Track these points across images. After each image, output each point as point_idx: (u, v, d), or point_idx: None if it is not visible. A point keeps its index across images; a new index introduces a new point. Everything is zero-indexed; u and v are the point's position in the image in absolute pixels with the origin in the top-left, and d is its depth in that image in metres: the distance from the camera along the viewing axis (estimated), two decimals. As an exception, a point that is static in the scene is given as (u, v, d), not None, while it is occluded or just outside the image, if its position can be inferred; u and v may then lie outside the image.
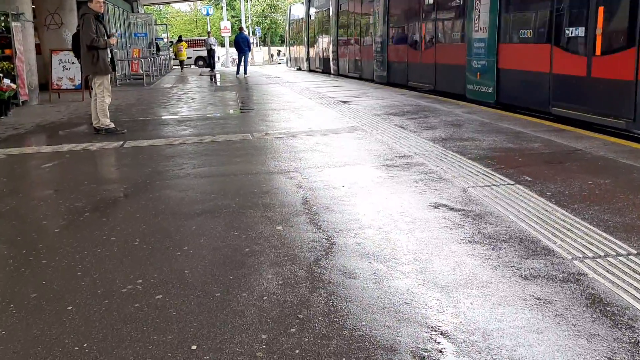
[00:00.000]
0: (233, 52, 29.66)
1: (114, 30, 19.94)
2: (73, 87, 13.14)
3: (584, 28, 6.98)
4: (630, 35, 6.28)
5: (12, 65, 11.30)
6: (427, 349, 2.19)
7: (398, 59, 14.29)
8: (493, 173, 4.80)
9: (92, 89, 8.17)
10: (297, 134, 7.34)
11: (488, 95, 9.41)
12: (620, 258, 2.96)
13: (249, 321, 2.44)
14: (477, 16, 9.61)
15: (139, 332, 2.39)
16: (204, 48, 32.43)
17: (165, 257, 3.22)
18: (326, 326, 2.38)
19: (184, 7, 59.75)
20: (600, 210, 3.72)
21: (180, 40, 32.06)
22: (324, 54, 23.19)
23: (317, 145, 6.43)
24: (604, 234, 3.30)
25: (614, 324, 2.32)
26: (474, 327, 2.32)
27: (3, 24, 11.48)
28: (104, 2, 8.18)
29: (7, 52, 11.40)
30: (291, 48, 32.14)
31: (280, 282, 2.81)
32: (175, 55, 31.10)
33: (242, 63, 22.60)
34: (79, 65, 9.07)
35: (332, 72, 21.48)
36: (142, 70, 18.87)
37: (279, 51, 51.24)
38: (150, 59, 21.56)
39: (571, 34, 7.26)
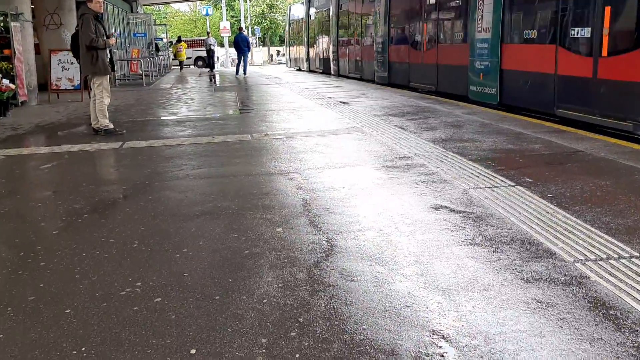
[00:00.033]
0: (232, 52, 29.66)
1: (113, 31, 19.93)
2: (72, 88, 13.11)
3: (590, 28, 6.89)
4: (638, 35, 6.21)
5: (11, 66, 11.28)
6: (428, 354, 2.16)
7: (399, 60, 14.24)
8: (494, 174, 4.78)
9: (91, 89, 8.15)
10: (297, 134, 7.32)
11: (491, 97, 9.34)
12: (623, 261, 2.94)
13: (248, 325, 2.42)
14: (480, 16, 9.54)
15: (137, 335, 2.37)
16: (204, 48, 32.45)
17: (164, 259, 3.20)
18: (327, 330, 2.36)
19: (183, 7, 59.77)
20: (601, 212, 3.70)
21: (179, 40, 32.05)
22: (324, 54, 23.15)
23: (317, 146, 6.41)
24: (606, 236, 3.28)
25: (617, 327, 2.30)
26: (476, 331, 2.30)
27: (2, 24, 11.45)
28: (103, 2, 8.16)
29: (6, 52, 11.37)
30: (291, 48, 32.10)
31: (280, 285, 2.79)
32: (175, 55, 31.08)
33: (242, 63, 22.60)
34: (78, 65, 9.05)
35: (332, 72, 21.45)
36: (142, 71, 18.84)
37: (279, 51, 51.23)
38: (150, 59, 21.54)
39: (577, 34, 7.16)
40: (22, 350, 2.30)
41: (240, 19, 44.48)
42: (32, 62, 12.63)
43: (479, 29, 9.59)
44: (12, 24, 11.38)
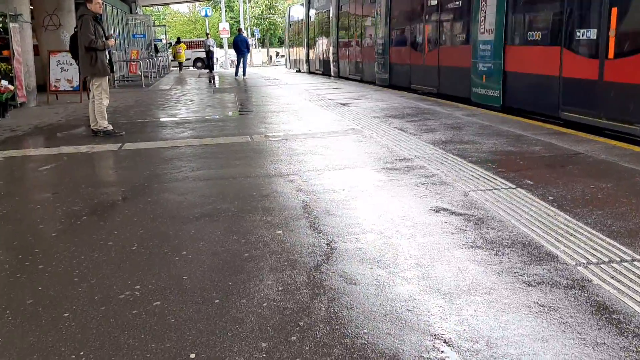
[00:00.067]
0: (232, 53, 29.62)
1: (112, 32, 19.92)
2: (71, 89, 13.10)
3: (596, 30, 6.78)
4: None
5: (9, 67, 11.25)
6: (430, 358, 2.14)
7: (400, 61, 14.18)
8: (494, 176, 4.77)
9: (90, 90, 8.13)
10: (297, 136, 7.31)
11: (494, 99, 9.23)
12: (625, 264, 2.93)
13: (248, 329, 2.40)
14: (482, 17, 9.44)
15: (136, 339, 2.35)
16: (203, 49, 32.41)
17: (163, 262, 3.18)
18: (327, 334, 2.34)
19: (182, 8, 59.81)
20: (603, 215, 3.69)
21: (179, 41, 32.03)
22: (324, 55, 23.14)
23: (316, 148, 6.40)
24: (608, 239, 3.26)
25: (620, 332, 2.28)
26: (478, 335, 2.28)
27: (1, 25, 11.44)
28: (103, 3, 8.14)
29: (5, 53, 11.35)
30: (290, 50, 32.08)
31: (280, 289, 2.77)
32: (174, 56, 31.07)
33: (241, 65, 22.59)
34: (77, 66, 9.03)
35: (332, 74, 21.43)
36: (141, 72, 18.82)
37: (278, 53, 51.23)
38: (149, 61, 21.53)
39: (582, 35, 7.05)
40: (20, 354, 2.28)
41: (239, 20, 44.46)
42: (31, 63, 12.60)
43: (482, 30, 9.49)
44: (11, 25, 11.36)
